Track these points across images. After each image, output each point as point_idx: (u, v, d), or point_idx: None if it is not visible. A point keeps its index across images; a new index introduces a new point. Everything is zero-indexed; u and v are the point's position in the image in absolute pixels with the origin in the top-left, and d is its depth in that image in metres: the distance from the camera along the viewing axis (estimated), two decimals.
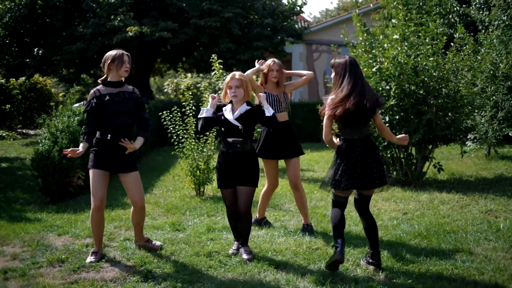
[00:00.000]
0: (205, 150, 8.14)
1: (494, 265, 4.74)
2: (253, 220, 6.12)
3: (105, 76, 5.19)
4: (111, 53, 5.13)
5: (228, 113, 5.08)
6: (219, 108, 5.19)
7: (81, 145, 5.10)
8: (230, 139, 5.08)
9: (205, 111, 5.14)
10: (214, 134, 8.26)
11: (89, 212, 7.03)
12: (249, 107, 5.11)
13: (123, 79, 5.22)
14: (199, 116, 5.18)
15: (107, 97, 5.07)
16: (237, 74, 5.13)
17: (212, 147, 8.20)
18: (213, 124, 5.17)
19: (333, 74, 4.75)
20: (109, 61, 5.08)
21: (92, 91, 5.20)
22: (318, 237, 5.77)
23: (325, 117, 4.67)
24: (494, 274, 4.54)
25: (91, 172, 5.15)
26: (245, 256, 5.01)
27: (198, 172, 8.06)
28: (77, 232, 6.01)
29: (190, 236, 5.87)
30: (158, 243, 5.44)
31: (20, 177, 9.64)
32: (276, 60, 6.11)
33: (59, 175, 7.66)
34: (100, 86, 5.18)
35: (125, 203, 7.66)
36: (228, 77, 5.13)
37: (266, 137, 6.00)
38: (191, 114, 8.08)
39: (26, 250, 5.37)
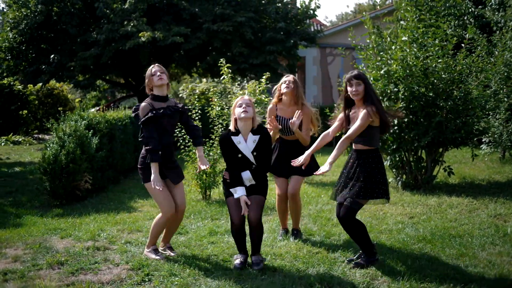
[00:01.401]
0: (211, 153, 8.12)
1: (497, 270, 4.63)
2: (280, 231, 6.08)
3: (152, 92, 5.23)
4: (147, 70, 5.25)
5: (243, 147, 4.90)
6: (227, 141, 4.95)
7: (153, 167, 5.00)
8: (244, 175, 4.91)
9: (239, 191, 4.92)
10: (219, 138, 8.22)
11: (95, 215, 7.09)
12: (257, 136, 4.95)
13: (166, 94, 5.23)
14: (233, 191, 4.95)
15: (162, 110, 5.08)
16: (246, 95, 5.07)
17: (218, 151, 8.18)
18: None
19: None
20: (146, 79, 5.20)
21: (145, 104, 5.10)
22: (320, 241, 5.70)
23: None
24: (497, 280, 4.43)
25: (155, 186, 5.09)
26: (255, 267, 4.83)
27: (204, 176, 8.05)
28: (80, 235, 6.02)
29: (191, 239, 5.85)
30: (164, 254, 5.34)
31: (31, 181, 9.72)
32: (290, 76, 5.86)
33: (66, 178, 7.70)
34: (149, 100, 5.16)
35: (131, 207, 7.67)
36: (237, 99, 5.04)
37: (278, 154, 5.90)
38: (197, 118, 8.07)
39: (27, 253, 5.39)
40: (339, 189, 5.01)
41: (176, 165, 5.26)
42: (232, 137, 4.94)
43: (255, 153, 4.92)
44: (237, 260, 4.96)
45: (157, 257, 5.15)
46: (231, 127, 5.01)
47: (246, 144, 4.92)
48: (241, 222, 4.92)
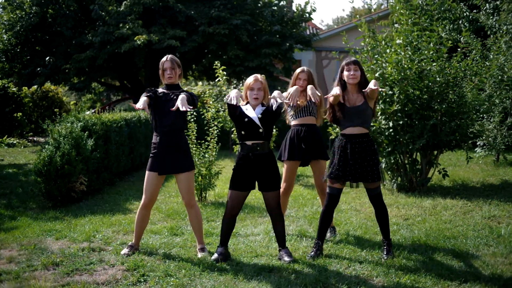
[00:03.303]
0: (206, 155, 8.12)
1: (491, 271, 4.67)
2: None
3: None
4: (162, 60, 5.44)
5: (250, 112, 5.07)
6: (235, 108, 5.13)
7: (143, 98, 5.14)
8: (249, 142, 5.08)
9: (231, 99, 5.09)
10: (215, 139, 8.24)
11: (90, 216, 7.09)
12: (265, 107, 5.11)
13: (179, 84, 5.45)
14: (226, 101, 5.18)
15: (160, 94, 5.31)
16: (259, 76, 5.17)
17: (214, 153, 8.18)
18: (234, 111, 5.14)
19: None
20: (159, 69, 5.44)
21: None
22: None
23: None
24: (491, 280, 4.46)
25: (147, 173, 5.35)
26: (287, 258, 5.03)
27: (200, 177, 8.05)
28: (75, 236, 6.01)
29: (187, 240, 5.85)
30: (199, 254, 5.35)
31: (25, 182, 9.68)
32: (305, 68, 6.05)
33: (61, 180, 7.67)
34: (161, 88, 5.48)
35: (126, 209, 7.66)
36: (251, 78, 5.15)
37: (291, 139, 5.97)
38: (192, 120, 8.08)
39: (22, 254, 5.37)
40: (345, 174, 5.13)
41: (181, 156, 5.26)
42: (241, 105, 5.15)
43: (260, 116, 5.04)
44: (216, 253, 5.14)
45: (123, 251, 5.32)
46: (243, 100, 5.21)
47: (255, 112, 5.08)
48: (234, 214, 5.15)
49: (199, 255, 5.28)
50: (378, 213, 5.25)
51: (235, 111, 5.09)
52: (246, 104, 5.17)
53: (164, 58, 5.40)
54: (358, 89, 5.18)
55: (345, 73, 5.16)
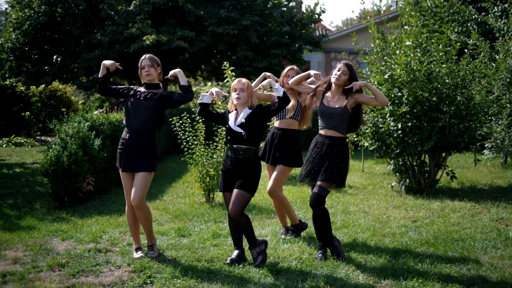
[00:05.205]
0: (214, 156, 8.11)
1: (499, 273, 4.63)
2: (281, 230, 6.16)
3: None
4: (141, 58, 5.44)
5: (231, 121, 5.07)
6: (225, 113, 5.21)
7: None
8: (234, 145, 5.07)
9: (204, 97, 5.14)
10: (223, 140, 8.23)
11: (96, 217, 7.09)
12: (250, 110, 5.05)
13: (159, 83, 5.43)
14: (198, 101, 5.22)
15: (133, 92, 5.34)
16: (243, 79, 5.17)
17: (222, 154, 8.17)
18: (208, 112, 5.21)
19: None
20: (138, 69, 5.42)
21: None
22: None
23: None
24: (498, 283, 4.42)
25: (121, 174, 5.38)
26: (255, 263, 4.99)
27: (207, 178, 8.03)
28: (81, 237, 6.01)
29: (194, 242, 5.83)
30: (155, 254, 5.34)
31: (32, 182, 9.71)
32: (295, 67, 6.03)
33: (68, 180, 7.67)
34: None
35: None
36: (235, 81, 5.17)
37: (268, 141, 6.01)
38: (201, 121, 8.06)
39: (28, 254, 5.37)
40: (312, 175, 5.21)
41: (145, 156, 5.22)
42: (229, 113, 5.17)
43: (244, 121, 5.01)
44: (233, 255, 5.12)
45: (135, 256, 5.26)
46: (229, 106, 5.19)
47: (239, 118, 5.04)
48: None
49: (135, 255, 5.27)
50: (319, 216, 5.12)
51: (225, 117, 5.14)
52: (235, 110, 5.12)
53: (142, 57, 5.40)
54: (341, 92, 5.23)
55: (333, 71, 5.24)
